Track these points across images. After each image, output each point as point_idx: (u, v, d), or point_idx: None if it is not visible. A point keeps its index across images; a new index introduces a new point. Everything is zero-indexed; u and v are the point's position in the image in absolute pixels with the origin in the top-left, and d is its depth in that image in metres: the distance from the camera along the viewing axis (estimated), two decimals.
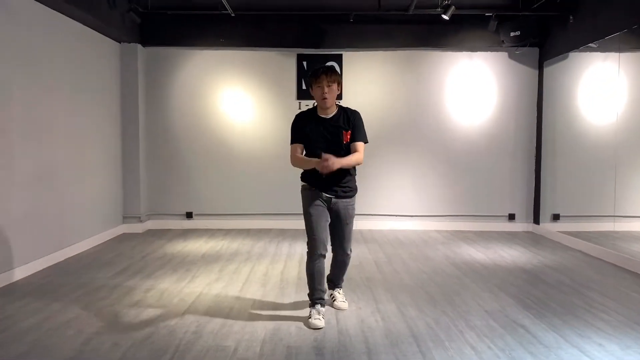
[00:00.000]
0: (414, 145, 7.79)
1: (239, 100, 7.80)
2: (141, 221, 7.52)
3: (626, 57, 6.15)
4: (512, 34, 7.15)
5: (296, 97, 7.80)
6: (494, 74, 7.74)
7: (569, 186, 7.30)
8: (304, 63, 7.75)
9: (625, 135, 6.30)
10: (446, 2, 6.28)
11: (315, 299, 3.81)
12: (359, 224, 7.70)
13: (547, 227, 7.47)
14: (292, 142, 3.83)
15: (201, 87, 7.76)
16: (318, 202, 3.78)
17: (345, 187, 3.79)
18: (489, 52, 7.70)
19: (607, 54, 6.72)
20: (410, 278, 5.00)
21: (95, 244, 6.55)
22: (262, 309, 4.07)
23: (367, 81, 7.77)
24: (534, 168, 7.80)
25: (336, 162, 3.52)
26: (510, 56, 7.70)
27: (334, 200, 3.77)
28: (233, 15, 7.01)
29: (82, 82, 6.31)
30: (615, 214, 6.52)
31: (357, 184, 3.95)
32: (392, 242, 6.85)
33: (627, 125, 6.29)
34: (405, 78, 7.75)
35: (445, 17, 6.40)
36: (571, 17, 6.69)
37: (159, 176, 7.78)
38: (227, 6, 6.55)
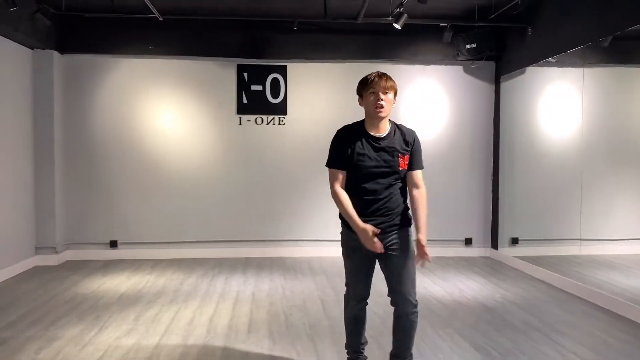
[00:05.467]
0: None
1: (172, 115, 6.98)
2: (57, 252, 6.56)
3: (589, 72, 5.74)
4: (467, 46, 6.67)
5: (236, 112, 7.06)
6: (449, 89, 7.24)
7: (529, 208, 6.84)
8: (245, 74, 7.03)
9: (582, 155, 5.89)
10: (398, 10, 5.71)
11: (353, 351, 3.19)
12: (303, 251, 7.05)
13: (505, 251, 6.99)
14: (332, 165, 2.95)
15: (128, 101, 6.90)
16: (358, 247, 2.91)
17: (394, 221, 2.95)
18: (443, 66, 7.19)
19: (564, 69, 6.36)
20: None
21: None
22: None
23: (313, 95, 7.12)
24: (491, 189, 7.32)
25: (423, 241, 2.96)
26: (466, 70, 7.22)
27: (380, 237, 2.88)
28: (161, 19, 6.20)
29: None
30: (572, 237, 6.13)
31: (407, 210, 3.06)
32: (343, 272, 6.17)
33: (583, 145, 5.88)
34: (355, 92, 7.14)
35: (397, 26, 5.83)
36: (529, 30, 6.26)
37: (79, 200, 6.84)
38: (153, 9, 5.75)
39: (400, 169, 2.92)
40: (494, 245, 7.24)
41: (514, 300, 5.09)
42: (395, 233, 2.96)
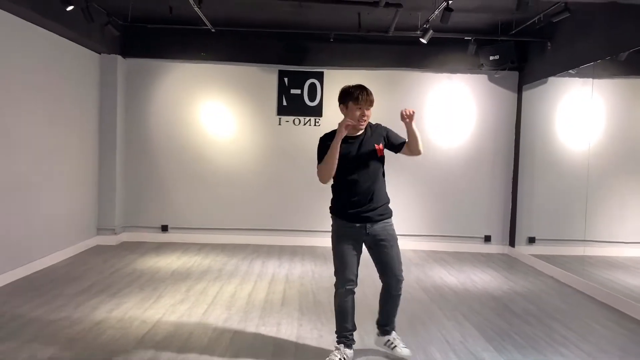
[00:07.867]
0: (392, 164, 7.74)
1: (219, 115, 7.77)
2: (115, 233, 7.45)
3: (600, 83, 6.18)
4: (491, 57, 7.19)
5: (276, 113, 7.79)
6: (474, 96, 7.79)
7: (545, 210, 7.32)
8: (285, 79, 7.75)
9: (597, 161, 6.32)
10: (425, 25, 6.30)
11: (340, 336, 3.67)
12: (329, 243, 7.67)
13: (522, 250, 7.49)
14: (320, 163, 3.50)
15: (181, 100, 7.73)
16: (348, 235, 3.52)
17: (378, 211, 3.50)
18: (469, 75, 7.74)
19: (584, 79, 6.78)
20: (377, 304, 4.96)
21: (68, 256, 6.49)
22: (221, 336, 4.02)
23: None
24: (510, 190, 7.83)
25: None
26: (490, 79, 7.74)
27: (369, 226, 3.48)
28: (213, 30, 6.99)
29: (57, 92, 6.27)
30: (586, 239, 6.56)
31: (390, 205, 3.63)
32: (367, 261, 6.81)
33: (598, 151, 6.31)
34: (386, 97, 7.73)
35: (423, 40, 6.42)
36: (549, 44, 6.75)
37: (136, 188, 7.73)
38: (206, 21, 6.53)
39: (379, 155, 3.47)
40: (512, 243, 7.75)
41: (520, 291, 5.64)
42: (382, 223, 3.50)
